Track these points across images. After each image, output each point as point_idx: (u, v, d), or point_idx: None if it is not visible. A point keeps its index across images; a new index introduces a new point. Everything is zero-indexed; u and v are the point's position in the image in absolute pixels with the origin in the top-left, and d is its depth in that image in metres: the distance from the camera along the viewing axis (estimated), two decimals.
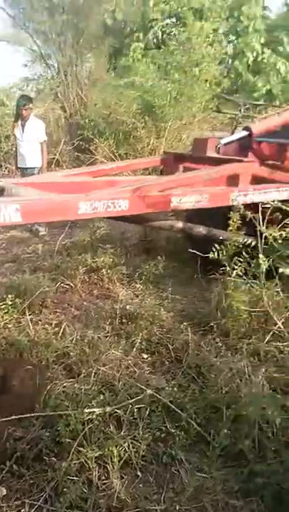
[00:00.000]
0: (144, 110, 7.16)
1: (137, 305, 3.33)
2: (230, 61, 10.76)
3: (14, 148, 6.07)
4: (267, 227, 2.55)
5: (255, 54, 10.47)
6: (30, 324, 2.98)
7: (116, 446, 1.94)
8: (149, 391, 2.29)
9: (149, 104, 6.99)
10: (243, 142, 3.42)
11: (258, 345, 2.74)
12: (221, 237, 3.05)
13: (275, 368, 2.57)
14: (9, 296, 3.19)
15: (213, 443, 2.02)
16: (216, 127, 7.34)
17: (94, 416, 2.09)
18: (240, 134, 3.34)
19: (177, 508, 1.79)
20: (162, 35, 10.38)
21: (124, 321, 3.13)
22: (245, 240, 2.71)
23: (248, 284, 2.82)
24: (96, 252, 4.08)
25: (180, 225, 3.28)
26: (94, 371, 2.47)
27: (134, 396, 2.27)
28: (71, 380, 2.47)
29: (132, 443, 1.99)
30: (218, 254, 2.72)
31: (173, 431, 2.10)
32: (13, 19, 9.54)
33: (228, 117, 5.70)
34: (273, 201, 2.58)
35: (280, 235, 2.32)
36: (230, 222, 2.82)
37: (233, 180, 2.91)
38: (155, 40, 10.47)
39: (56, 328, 3.00)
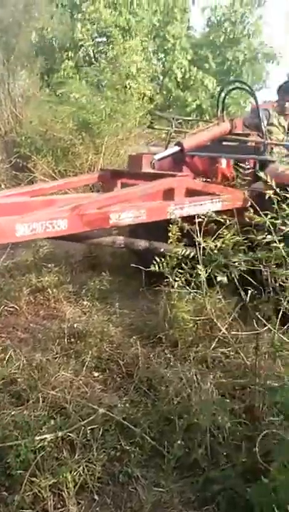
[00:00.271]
0: (80, 127, 7.19)
1: (85, 323, 3.31)
2: (160, 78, 11.14)
3: None
4: (204, 238, 2.64)
5: (183, 71, 10.96)
6: None
7: (70, 472, 1.90)
8: (101, 410, 2.27)
9: (84, 121, 7.04)
10: (176, 157, 3.54)
11: (205, 353, 2.82)
12: (162, 250, 3.11)
13: (222, 373, 2.66)
14: None
15: (168, 456, 2.04)
16: (152, 141, 7.52)
17: (45, 443, 2.03)
18: (173, 149, 3.46)
19: None
20: (94, 53, 10.54)
21: (72, 340, 3.09)
22: (185, 251, 2.79)
23: (191, 294, 2.90)
24: (40, 272, 4.01)
25: (121, 240, 3.32)
26: (43, 396, 2.41)
27: (87, 417, 2.24)
28: (20, 407, 2.38)
29: (86, 466, 1.96)
30: (159, 267, 2.77)
31: (128, 448, 2.09)
32: None
33: (163, 132, 5.88)
34: (208, 212, 2.69)
35: (216, 245, 2.42)
36: (170, 234, 2.90)
37: (169, 195, 2.99)
38: (87, 58, 10.60)
39: (2, 354, 2.89)
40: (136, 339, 3.01)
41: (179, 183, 3.02)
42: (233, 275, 2.46)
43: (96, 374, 2.77)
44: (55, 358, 2.85)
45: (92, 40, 10.44)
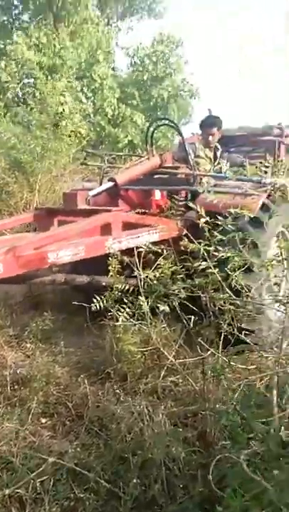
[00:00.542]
0: (12, 166, 7.13)
1: (28, 367, 3.17)
2: (92, 116, 11.46)
3: None
4: (145, 269, 2.68)
5: (113, 108, 11.40)
6: None
7: None
8: (51, 459, 2.16)
9: (16, 160, 7.01)
10: (111, 191, 3.61)
11: (154, 384, 2.81)
12: (103, 284, 3.11)
13: (173, 402, 2.66)
14: None
15: (124, 497, 1.97)
16: (87, 177, 7.62)
17: None
18: (107, 184, 3.54)
19: None
20: (22, 94, 10.65)
21: (16, 387, 2.94)
22: (126, 283, 2.81)
23: (136, 325, 2.90)
24: None
25: (62, 277, 3.28)
26: None
27: (36, 468, 2.11)
28: None
29: None
30: (102, 302, 2.76)
31: (82, 496, 1.99)
32: None
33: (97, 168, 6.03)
34: (145, 244, 2.75)
35: (154, 275, 2.47)
36: (110, 268, 2.90)
37: (106, 229, 3.03)
38: (16, 99, 10.67)
39: None
40: (84, 378, 2.94)
41: (114, 218, 3.07)
42: (174, 303, 2.51)
43: (44, 420, 2.65)
44: None
45: (19, 82, 10.56)
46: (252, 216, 2.80)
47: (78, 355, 3.45)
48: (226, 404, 2.05)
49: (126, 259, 2.79)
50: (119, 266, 2.93)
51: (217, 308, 2.48)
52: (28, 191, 7.12)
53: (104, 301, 2.59)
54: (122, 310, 2.78)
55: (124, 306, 2.65)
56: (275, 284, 2.33)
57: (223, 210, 2.61)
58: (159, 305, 2.40)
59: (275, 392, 1.87)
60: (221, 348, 2.42)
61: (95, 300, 2.55)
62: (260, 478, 1.54)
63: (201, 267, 2.36)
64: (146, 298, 2.43)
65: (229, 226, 2.38)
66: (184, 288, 2.44)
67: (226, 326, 2.44)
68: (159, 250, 2.67)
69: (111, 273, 2.96)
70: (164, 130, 10.21)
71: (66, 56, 10.93)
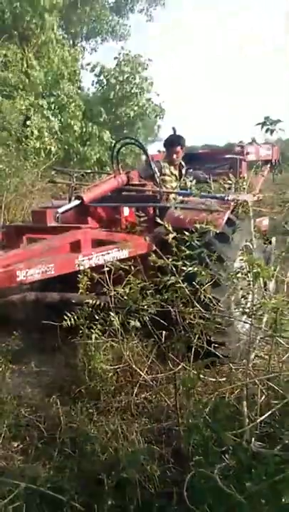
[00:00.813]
0: None
1: None
2: (59, 134, 11.48)
3: None
4: (115, 285, 2.69)
5: (80, 125, 11.48)
6: None
7: None
8: (23, 484, 2.10)
9: None
10: (80, 209, 3.62)
11: (128, 401, 2.79)
12: (74, 301, 3.09)
13: (146, 419, 2.65)
14: None
15: None
16: (60, 194, 7.60)
17: None
18: (74, 202, 3.56)
19: None
20: None
21: None
22: (97, 300, 2.81)
23: (108, 342, 2.89)
24: None
25: (32, 296, 3.23)
26: None
27: (8, 494, 2.04)
28: None
29: None
30: (74, 320, 2.74)
31: None
32: None
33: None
34: (114, 262, 2.76)
35: (124, 291, 2.48)
36: (80, 285, 2.89)
37: (76, 246, 3.02)
38: None
39: None
40: (56, 398, 2.88)
41: (84, 235, 3.07)
42: (144, 319, 2.52)
43: (15, 444, 2.58)
44: None
45: None
46: (218, 231, 2.88)
47: (50, 375, 3.38)
48: (197, 418, 2.06)
49: (96, 276, 2.79)
50: (90, 283, 2.93)
51: (187, 322, 2.51)
52: None
53: (76, 319, 2.57)
54: (94, 327, 2.78)
55: (96, 323, 2.65)
56: (243, 297, 2.39)
57: (190, 226, 2.67)
58: (130, 320, 2.41)
59: (244, 403, 1.90)
60: (192, 361, 2.45)
61: (66, 318, 2.53)
62: (234, 492, 1.56)
63: (170, 282, 2.39)
64: (117, 313, 2.44)
65: (196, 241, 2.44)
66: (153, 303, 2.46)
67: (196, 339, 2.47)
68: (127, 267, 2.69)
69: (81, 290, 2.95)
70: (132, 148, 10.36)
71: (33, 74, 10.97)
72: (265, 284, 2.61)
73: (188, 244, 2.46)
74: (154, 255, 2.55)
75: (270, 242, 4.52)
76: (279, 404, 1.84)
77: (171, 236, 2.53)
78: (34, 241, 3.32)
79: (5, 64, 10.78)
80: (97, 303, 2.77)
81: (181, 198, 3.72)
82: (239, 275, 2.28)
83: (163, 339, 2.68)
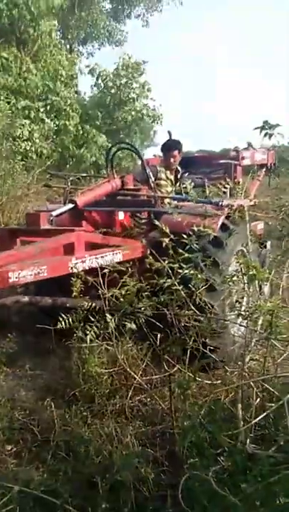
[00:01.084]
0: None
1: None
2: (55, 137, 11.49)
3: None
4: (110, 288, 2.69)
5: (76, 128, 11.50)
6: None
7: None
8: (16, 487, 2.08)
9: None
10: (74, 212, 3.62)
11: (122, 404, 2.78)
12: (68, 305, 3.08)
13: (141, 422, 2.64)
14: None
15: None
16: (55, 197, 7.59)
17: None
18: (68, 206, 3.56)
19: None
20: None
21: None
22: (91, 303, 2.80)
23: (103, 346, 2.88)
24: None
25: (26, 299, 3.22)
26: None
27: (1, 498, 2.03)
28: None
29: None
30: (68, 323, 2.73)
31: None
32: None
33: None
34: (109, 264, 2.76)
35: (120, 293, 2.48)
36: (74, 288, 2.88)
37: (69, 249, 3.01)
38: None
39: None
40: (50, 401, 2.86)
41: (77, 238, 3.06)
42: (140, 321, 2.52)
43: (9, 447, 2.56)
44: None
45: None
46: (213, 236, 2.89)
47: (44, 378, 3.36)
48: (192, 420, 2.06)
49: (90, 279, 2.78)
50: (84, 286, 2.92)
51: (182, 324, 2.51)
52: None
53: (70, 322, 2.56)
54: (89, 330, 2.77)
55: (91, 325, 2.64)
56: (237, 301, 2.40)
57: (186, 229, 2.68)
58: (125, 323, 2.41)
59: (239, 405, 1.91)
60: (187, 364, 2.45)
61: (59, 321, 2.52)
62: (228, 494, 1.56)
63: (166, 284, 2.40)
64: (112, 316, 2.44)
65: (193, 245, 2.45)
66: (149, 305, 2.47)
67: (192, 342, 2.47)
68: (124, 269, 2.69)
69: (74, 293, 2.93)
70: (127, 152, 10.40)
71: (30, 78, 11.00)
72: (260, 287, 2.63)
73: (186, 247, 2.47)
74: (150, 258, 2.56)
75: (265, 246, 4.55)
76: (274, 406, 1.84)
77: (166, 240, 2.54)
78: (28, 244, 3.31)
79: (3, 66, 10.80)
80: (92, 306, 2.76)
81: (175, 202, 3.73)
82: (234, 278, 2.29)
83: (158, 342, 2.67)
